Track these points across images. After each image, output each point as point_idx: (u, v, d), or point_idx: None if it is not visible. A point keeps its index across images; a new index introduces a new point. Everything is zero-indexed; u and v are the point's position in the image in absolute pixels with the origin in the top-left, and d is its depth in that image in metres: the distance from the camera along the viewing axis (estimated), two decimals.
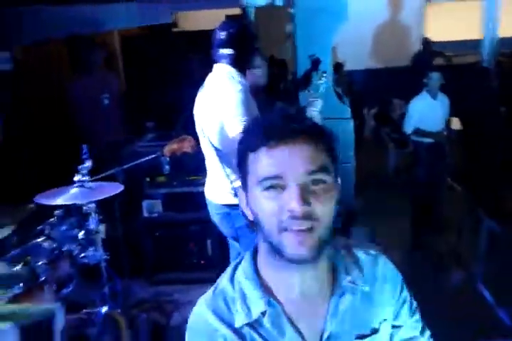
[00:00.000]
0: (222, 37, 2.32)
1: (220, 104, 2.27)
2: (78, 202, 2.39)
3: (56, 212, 2.74)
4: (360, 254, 1.01)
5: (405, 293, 1.02)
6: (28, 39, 4.27)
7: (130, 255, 3.42)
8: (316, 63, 3.54)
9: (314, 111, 2.79)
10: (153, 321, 3.20)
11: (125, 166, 3.03)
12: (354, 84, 7.02)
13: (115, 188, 2.45)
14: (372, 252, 1.03)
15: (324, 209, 0.85)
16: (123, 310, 2.69)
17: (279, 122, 0.86)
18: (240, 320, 0.92)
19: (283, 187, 0.85)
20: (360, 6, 6.53)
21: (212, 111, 2.34)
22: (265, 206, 0.86)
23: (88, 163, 2.54)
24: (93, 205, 2.57)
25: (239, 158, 0.92)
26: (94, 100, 4.21)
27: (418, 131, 4.48)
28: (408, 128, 4.50)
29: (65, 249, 2.46)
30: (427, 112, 4.45)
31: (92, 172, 2.70)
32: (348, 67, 6.92)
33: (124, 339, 2.45)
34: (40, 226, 2.68)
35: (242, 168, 0.92)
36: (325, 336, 0.92)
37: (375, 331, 0.96)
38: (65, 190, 2.39)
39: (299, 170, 0.84)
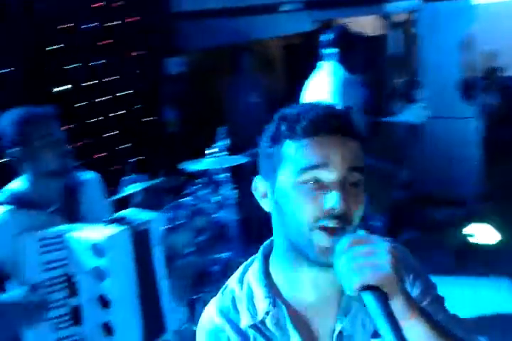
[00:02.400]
0: (328, 38, 2.88)
1: (324, 90, 2.78)
2: (216, 166, 3.12)
3: (199, 180, 3.49)
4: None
5: (419, 283, 0.93)
6: (197, 47, 5.21)
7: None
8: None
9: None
10: None
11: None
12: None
13: (242, 159, 3.16)
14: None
15: (357, 212, 0.84)
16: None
17: (330, 116, 0.85)
18: (245, 321, 0.91)
19: (323, 183, 0.83)
20: None
21: (317, 96, 2.84)
22: (300, 201, 0.83)
23: (224, 142, 3.18)
24: (227, 175, 3.23)
25: (270, 144, 0.88)
26: (244, 98, 4.98)
27: None
28: None
29: (201, 206, 3.15)
30: None
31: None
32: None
33: None
34: (187, 190, 3.44)
35: (273, 156, 0.88)
36: (335, 336, 0.89)
37: None
38: (204, 159, 3.13)
39: (345, 163, 0.83)
